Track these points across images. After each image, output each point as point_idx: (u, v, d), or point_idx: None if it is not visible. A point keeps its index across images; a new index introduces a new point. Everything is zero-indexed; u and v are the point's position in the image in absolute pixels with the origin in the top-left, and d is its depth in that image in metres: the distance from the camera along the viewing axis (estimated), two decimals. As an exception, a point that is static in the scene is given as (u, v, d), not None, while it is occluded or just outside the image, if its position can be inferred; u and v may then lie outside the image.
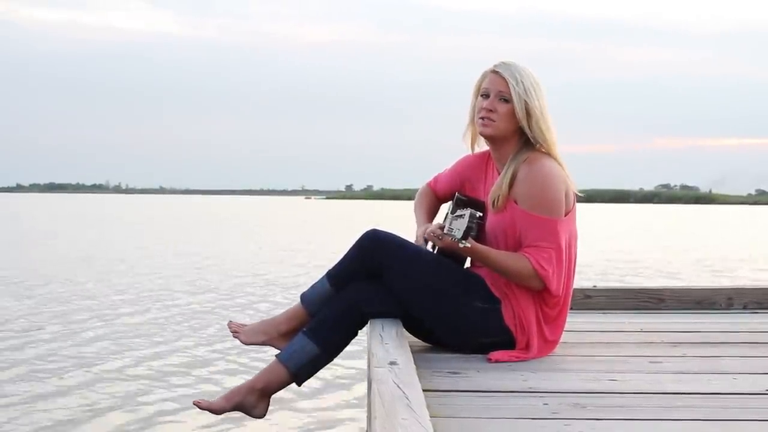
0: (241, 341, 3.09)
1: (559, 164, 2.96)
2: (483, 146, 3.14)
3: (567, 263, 2.96)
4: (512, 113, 2.94)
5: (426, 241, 3.09)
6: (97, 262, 16.51)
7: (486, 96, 2.98)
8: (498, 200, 2.95)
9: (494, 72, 2.97)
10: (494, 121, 2.96)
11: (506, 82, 2.93)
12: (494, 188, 2.98)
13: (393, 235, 3.03)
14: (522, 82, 2.92)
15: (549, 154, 2.96)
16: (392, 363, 2.28)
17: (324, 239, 25.23)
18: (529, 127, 2.93)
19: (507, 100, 2.94)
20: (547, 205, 2.90)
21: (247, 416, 2.94)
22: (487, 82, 2.98)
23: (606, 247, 21.78)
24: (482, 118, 2.98)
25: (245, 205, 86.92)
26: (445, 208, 3.25)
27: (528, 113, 2.92)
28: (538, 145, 2.97)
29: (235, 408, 2.90)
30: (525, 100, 2.92)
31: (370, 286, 2.96)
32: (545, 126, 2.93)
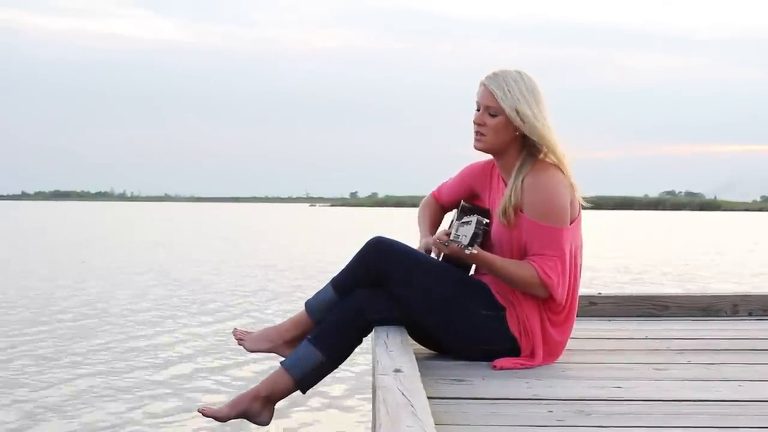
0: (246, 348, 3.10)
1: (564, 169, 2.95)
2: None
3: (572, 271, 2.97)
4: (502, 125, 2.94)
5: (429, 252, 3.09)
6: (99, 268, 16.54)
7: (478, 109, 2.99)
8: (507, 211, 2.94)
9: (483, 84, 2.98)
10: (485, 135, 2.97)
11: (493, 95, 2.93)
12: (503, 200, 2.97)
13: (397, 242, 3.03)
14: (510, 92, 2.91)
15: (553, 157, 2.95)
16: (397, 370, 2.28)
17: (328, 246, 25.23)
18: (527, 129, 2.92)
19: (493, 114, 2.94)
20: (552, 214, 2.90)
21: (252, 423, 2.95)
22: (478, 95, 2.99)
23: (611, 254, 21.75)
24: (475, 132, 2.99)
25: (250, 213, 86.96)
26: (450, 216, 3.25)
27: (522, 120, 2.92)
28: (541, 155, 2.96)
29: (239, 415, 2.90)
30: (516, 109, 2.91)
31: (375, 294, 2.96)
32: (542, 129, 2.91)
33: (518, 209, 2.94)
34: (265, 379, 2.95)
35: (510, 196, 2.95)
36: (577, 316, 3.07)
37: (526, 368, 2.89)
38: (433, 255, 3.09)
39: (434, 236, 2.98)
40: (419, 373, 2.31)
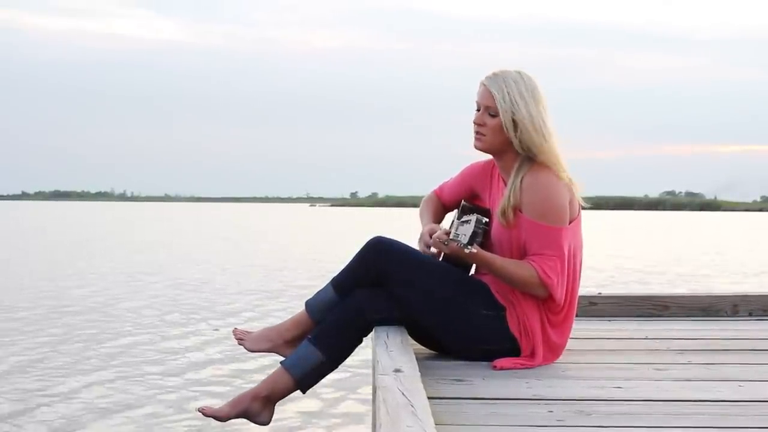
0: (246, 348, 3.10)
1: (561, 173, 2.94)
2: None
3: (572, 270, 2.97)
4: (501, 126, 2.94)
5: (429, 246, 3.09)
6: (100, 269, 16.54)
7: (478, 109, 2.99)
8: (506, 212, 2.94)
9: (483, 85, 2.98)
10: (484, 135, 2.97)
11: (492, 96, 2.93)
12: (502, 201, 2.97)
13: (397, 242, 3.03)
14: (508, 94, 2.91)
15: (549, 163, 2.94)
16: (397, 370, 2.28)
17: (328, 246, 25.23)
18: (518, 139, 2.92)
19: (493, 115, 2.95)
20: (550, 213, 2.90)
21: (252, 423, 2.95)
22: (478, 95, 3.00)
23: (611, 254, 21.75)
24: (475, 132, 2.99)
25: (250, 213, 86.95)
26: (451, 216, 3.25)
27: (515, 125, 2.92)
28: (538, 157, 2.96)
29: (239, 415, 2.90)
30: (511, 112, 2.91)
31: (375, 293, 2.96)
32: (537, 135, 2.90)
33: (517, 209, 2.94)
34: (265, 378, 2.95)
35: (509, 196, 2.94)
36: (577, 316, 3.07)
37: (526, 368, 2.89)
38: (433, 251, 3.09)
39: (434, 235, 2.99)
40: (419, 373, 2.31)
